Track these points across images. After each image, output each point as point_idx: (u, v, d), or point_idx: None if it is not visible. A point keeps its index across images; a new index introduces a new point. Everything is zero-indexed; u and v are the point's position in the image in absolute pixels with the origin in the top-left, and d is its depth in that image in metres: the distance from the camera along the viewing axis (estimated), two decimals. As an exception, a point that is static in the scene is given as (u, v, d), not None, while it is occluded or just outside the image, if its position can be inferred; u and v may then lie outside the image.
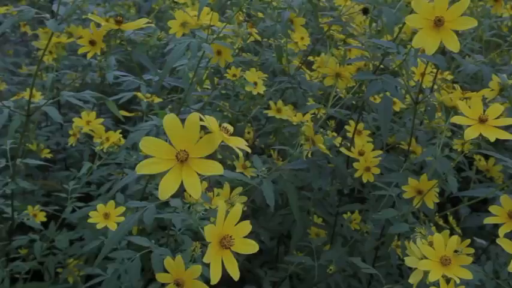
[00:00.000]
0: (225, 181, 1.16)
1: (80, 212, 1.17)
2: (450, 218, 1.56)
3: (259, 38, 1.17)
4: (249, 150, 0.67)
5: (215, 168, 0.61)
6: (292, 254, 1.24)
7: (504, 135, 0.77)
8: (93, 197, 1.36)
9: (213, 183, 1.23)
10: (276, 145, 1.26)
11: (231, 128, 0.68)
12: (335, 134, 1.34)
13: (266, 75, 1.12)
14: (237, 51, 1.26)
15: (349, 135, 1.13)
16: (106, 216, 0.99)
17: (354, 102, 1.19)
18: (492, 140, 0.76)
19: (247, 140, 1.48)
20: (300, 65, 1.32)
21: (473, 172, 1.51)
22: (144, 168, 0.61)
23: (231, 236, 0.64)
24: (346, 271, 1.29)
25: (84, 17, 0.83)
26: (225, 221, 0.64)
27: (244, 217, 1.46)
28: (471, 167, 1.63)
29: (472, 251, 1.05)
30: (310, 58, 1.46)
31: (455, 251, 0.81)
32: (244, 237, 0.66)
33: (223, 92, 1.33)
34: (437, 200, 0.98)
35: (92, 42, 0.82)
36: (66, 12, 0.74)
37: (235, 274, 0.64)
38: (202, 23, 1.04)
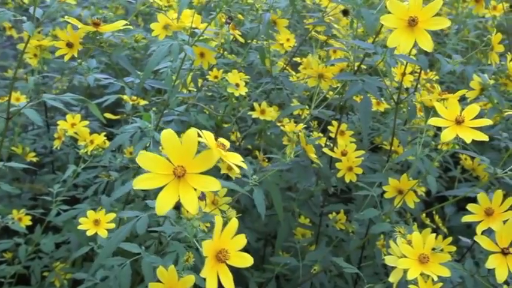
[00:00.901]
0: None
1: (65, 215, 1.17)
2: (436, 217, 1.57)
3: (242, 40, 1.17)
4: (246, 167, 0.67)
5: (212, 184, 0.62)
6: (277, 255, 1.25)
7: (480, 136, 0.78)
8: (80, 200, 1.36)
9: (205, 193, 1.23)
10: (262, 146, 1.26)
11: (227, 144, 0.68)
12: (321, 135, 1.35)
13: (248, 77, 1.12)
14: (221, 52, 1.26)
15: (332, 135, 1.14)
16: (96, 222, 0.99)
17: (340, 102, 1.20)
18: (468, 141, 0.77)
19: (233, 142, 1.50)
20: (285, 66, 1.32)
21: (458, 171, 1.52)
22: (141, 184, 0.62)
23: (226, 250, 0.64)
24: (332, 271, 1.30)
25: (62, 19, 0.83)
26: (221, 235, 0.65)
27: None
28: (458, 167, 1.65)
29: (453, 249, 1.07)
30: (298, 59, 1.47)
31: (433, 249, 0.82)
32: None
33: (209, 94, 1.33)
34: (417, 200, 0.98)
35: (69, 45, 0.82)
36: (43, 15, 0.74)
37: (230, 287, 0.65)
38: (185, 25, 1.04)
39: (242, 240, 0.66)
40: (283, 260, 1.18)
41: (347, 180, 1.08)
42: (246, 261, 0.66)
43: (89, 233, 0.94)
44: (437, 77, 1.57)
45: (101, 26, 0.80)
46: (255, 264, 1.43)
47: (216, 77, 1.10)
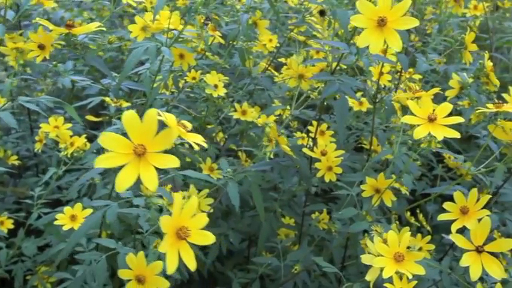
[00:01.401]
0: (192, 182, 1.16)
1: (46, 218, 1.16)
2: (420, 216, 1.58)
3: (222, 41, 1.17)
4: (206, 146, 0.69)
5: (171, 162, 0.63)
6: (260, 255, 1.25)
7: (452, 134, 0.79)
8: (63, 203, 1.36)
9: (180, 186, 1.23)
10: (244, 147, 1.27)
11: (188, 125, 0.69)
12: (305, 135, 1.35)
13: (227, 78, 1.13)
14: (204, 53, 1.26)
15: (312, 135, 1.14)
16: (73, 218, 0.99)
17: (324, 102, 1.20)
18: (439, 138, 0.78)
19: (218, 142, 1.50)
20: (267, 66, 1.33)
21: (439, 170, 1.53)
22: (102, 162, 0.63)
23: (187, 228, 0.65)
24: (316, 271, 1.31)
25: (33, 21, 0.82)
26: (181, 212, 0.66)
27: (214, 219, 1.46)
28: (441, 165, 1.66)
29: (432, 247, 1.08)
30: (283, 60, 1.48)
31: (408, 248, 0.82)
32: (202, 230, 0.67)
33: (192, 95, 1.33)
34: (394, 198, 0.99)
35: (41, 47, 0.82)
36: (14, 17, 0.74)
37: (191, 265, 0.65)
38: (164, 26, 1.04)
39: (203, 218, 0.67)
40: (265, 260, 1.18)
41: (326, 180, 1.08)
42: (208, 239, 0.67)
43: (64, 228, 0.94)
44: (420, 76, 1.58)
45: (74, 28, 0.80)
46: (240, 264, 1.44)
47: (194, 78, 1.10)
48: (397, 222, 1.53)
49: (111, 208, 0.80)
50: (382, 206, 1.13)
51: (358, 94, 1.38)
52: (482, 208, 0.85)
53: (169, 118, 0.65)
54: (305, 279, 1.19)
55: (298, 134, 1.35)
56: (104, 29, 0.82)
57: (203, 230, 0.67)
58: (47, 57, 0.84)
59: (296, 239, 1.30)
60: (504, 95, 1.49)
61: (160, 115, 0.63)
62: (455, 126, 1.81)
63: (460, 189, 0.96)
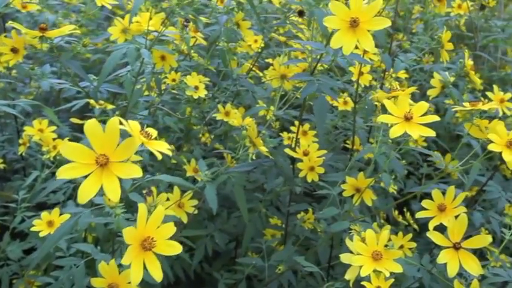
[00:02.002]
0: (176, 185, 1.16)
1: (29, 222, 1.16)
2: (407, 214, 1.59)
3: (204, 42, 1.17)
4: (170, 154, 0.68)
5: (134, 172, 0.63)
6: (245, 256, 1.25)
7: (427, 132, 0.80)
8: (50, 206, 1.35)
9: (165, 188, 1.23)
10: (228, 148, 1.27)
11: (153, 132, 0.69)
12: (290, 135, 1.35)
13: (208, 79, 1.13)
14: (187, 54, 1.26)
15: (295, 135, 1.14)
16: (50, 224, 0.99)
17: (307, 103, 1.21)
18: (415, 137, 0.78)
19: (204, 144, 1.50)
20: (251, 67, 1.33)
21: (425, 168, 1.54)
22: (64, 173, 0.62)
23: (152, 238, 0.65)
24: (302, 271, 1.31)
25: (7, 24, 0.82)
26: (147, 223, 0.65)
27: (200, 220, 1.46)
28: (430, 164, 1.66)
29: (413, 245, 1.08)
30: (270, 60, 1.48)
31: (386, 246, 0.82)
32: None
33: (179, 97, 1.33)
34: (374, 197, 0.99)
35: (14, 50, 0.82)
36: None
37: (157, 276, 0.65)
38: (145, 28, 1.04)
39: (170, 228, 0.67)
40: (249, 260, 1.18)
41: (309, 180, 1.09)
42: (175, 249, 0.67)
43: (41, 234, 0.94)
44: (406, 75, 1.59)
45: (47, 31, 0.80)
46: (227, 265, 1.44)
47: (174, 80, 1.10)
48: (385, 221, 1.54)
49: (83, 215, 0.79)
50: (370, 206, 1.13)
51: (346, 94, 1.39)
52: (469, 206, 0.86)
53: (133, 126, 0.65)
54: (290, 279, 1.19)
55: (285, 135, 1.35)
56: (79, 31, 0.82)
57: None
58: (20, 60, 0.84)
59: (282, 239, 1.31)
60: (488, 93, 1.50)
61: (122, 124, 0.62)
62: (441, 125, 1.82)
63: (439, 187, 0.97)
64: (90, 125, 0.62)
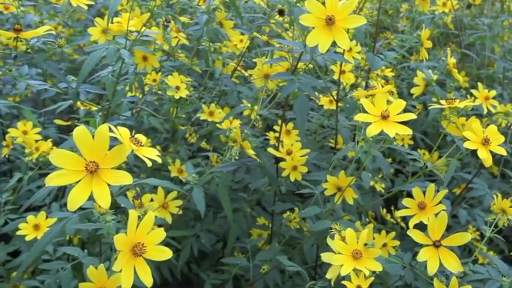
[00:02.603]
0: (159, 187, 1.16)
1: (13, 224, 1.16)
2: (395, 213, 1.59)
3: (187, 42, 1.17)
4: (160, 160, 0.68)
5: (124, 178, 0.63)
6: (231, 256, 1.25)
7: (404, 130, 0.79)
8: (36, 208, 1.35)
9: (150, 189, 1.23)
10: (213, 148, 1.26)
11: (143, 139, 0.69)
12: (275, 135, 1.35)
13: (190, 79, 1.12)
14: (172, 54, 1.26)
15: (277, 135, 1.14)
16: (36, 227, 0.98)
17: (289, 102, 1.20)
18: (392, 135, 0.78)
19: (190, 144, 1.50)
20: (236, 66, 1.33)
21: (410, 166, 1.54)
22: (53, 180, 0.62)
23: (143, 244, 0.65)
24: (289, 270, 1.31)
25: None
26: (137, 229, 0.66)
27: (187, 220, 1.45)
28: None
29: (397, 243, 1.08)
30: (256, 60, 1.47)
31: (365, 245, 0.82)
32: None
33: (164, 97, 1.33)
34: (356, 196, 0.99)
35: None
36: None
37: (148, 282, 0.65)
38: (125, 29, 1.04)
39: (160, 234, 0.67)
40: (234, 260, 1.18)
41: (292, 179, 1.08)
42: (165, 254, 0.67)
43: (27, 238, 0.93)
44: (392, 74, 1.59)
45: (21, 32, 0.79)
46: (214, 265, 1.44)
47: (154, 80, 1.09)
48: (374, 219, 1.54)
49: (71, 221, 0.79)
50: (357, 204, 1.13)
51: (335, 93, 1.39)
52: (456, 204, 0.86)
53: (123, 133, 0.65)
54: (276, 279, 1.19)
55: (272, 134, 1.35)
56: (53, 32, 0.81)
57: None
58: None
59: (268, 239, 1.30)
60: (473, 91, 1.50)
61: (112, 131, 0.62)
62: (430, 123, 1.81)
63: (424, 185, 0.97)
64: (79, 132, 0.62)
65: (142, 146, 0.68)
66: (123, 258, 0.64)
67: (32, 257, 0.86)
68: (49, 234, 0.84)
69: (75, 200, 0.61)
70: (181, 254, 1.27)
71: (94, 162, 0.62)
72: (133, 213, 0.65)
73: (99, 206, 0.71)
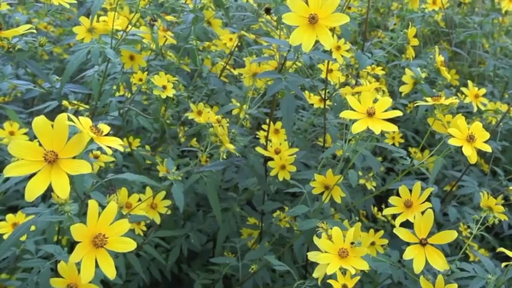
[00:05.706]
0: (148, 185, 1.15)
1: (-1, 225, 1.14)
2: (387, 212, 1.58)
3: (174, 41, 1.16)
4: (122, 149, 0.67)
5: (83, 167, 0.62)
6: (222, 256, 1.25)
7: (389, 127, 0.79)
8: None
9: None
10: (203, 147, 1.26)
11: (105, 128, 0.68)
12: (264, 134, 1.35)
13: (176, 79, 1.12)
14: (160, 54, 1.25)
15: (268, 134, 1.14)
16: (15, 226, 0.98)
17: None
18: (377, 132, 0.78)
19: (180, 144, 1.49)
20: (225, 65, 1.32)
21: (400, 165, 1.53)
22: (11, 171, 0.62)
23: (104, 235, 0.64)
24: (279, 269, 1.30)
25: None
26: (98, 220, 0.65)
27: (177, 220, 1.44)
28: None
29: (385, 242, 1.08)
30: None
31: (352, 243, 0.82)
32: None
33: (152, 96, 1.32)
34: (343, 194, 0.99)
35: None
36: None
37: (110, 273, 0.64)
38: (110, 28, 1.03)
39: (124, 225, 0.66)
40: (224, 260, 1.18)
41: (280, 178, 1.08)
42: (128, 245, 0.66)
43: (5, 237, 0.92)
44: (382, 72, 1.59)
45: (2, 30, 0.79)
46: (204, 265, 1.43)
47: (140, 80, 1.09)
48: (365, 218, 1.54)
49: (43, 215, 0.78)
50: (347, 203, 1.13)
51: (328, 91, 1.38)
52: (445, 201, 0.86)
53: (83, 122, 0.64)
54: (265, 278, 1.18)
55: (261, 134, 1.35)
56: (35, 31, 0.81)
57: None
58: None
59: (258, 238, 1.30)
60: (463, 89, 1.50)
61: (71, 120, 0.62)
62: (421, 121, 1.80)
63: (412, 183, 0.96)
64: (38, 122, 0.62)
65: (104, 135, 0.67)
66: (82, 250, 0.63)
67: (2, 252, 0.84)
68: (20, 229, 0.83)
69: (32, 190, 0.60)
70: (171, 253, 1.26)
71: (53, 151, 0.61)
72: (92, 203, 0.65)
73: (58, 197, 0.71)
